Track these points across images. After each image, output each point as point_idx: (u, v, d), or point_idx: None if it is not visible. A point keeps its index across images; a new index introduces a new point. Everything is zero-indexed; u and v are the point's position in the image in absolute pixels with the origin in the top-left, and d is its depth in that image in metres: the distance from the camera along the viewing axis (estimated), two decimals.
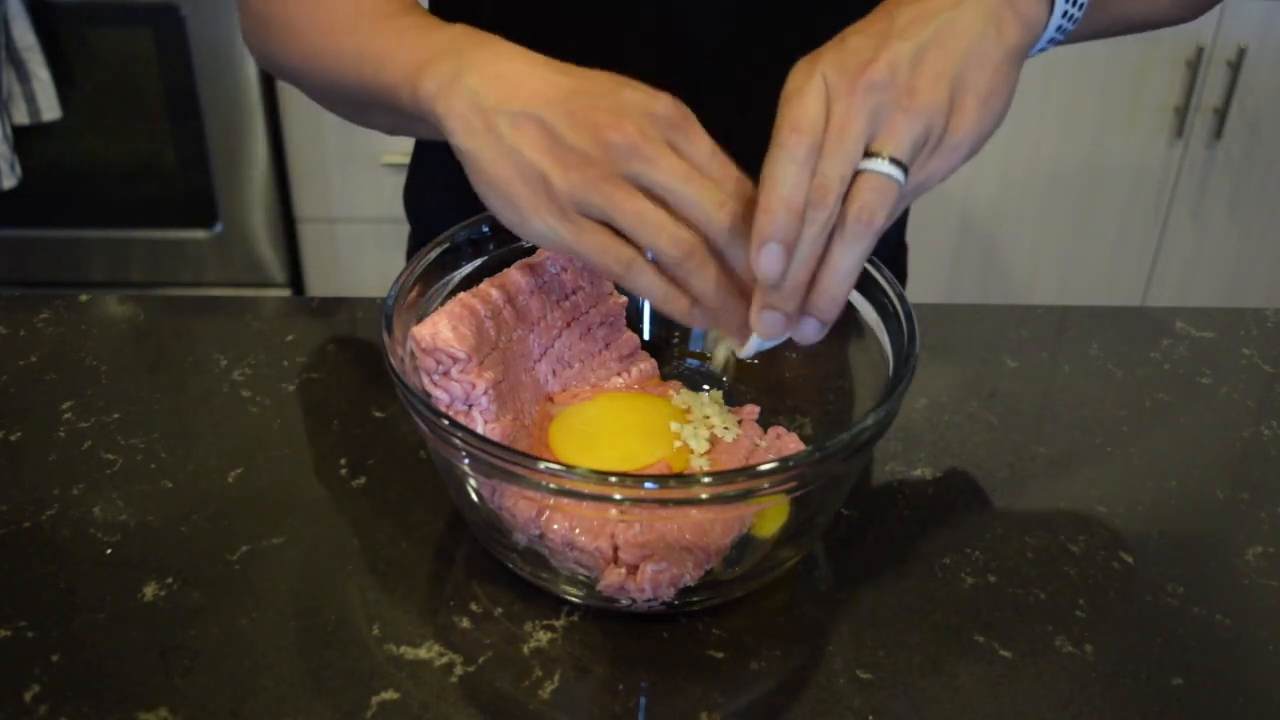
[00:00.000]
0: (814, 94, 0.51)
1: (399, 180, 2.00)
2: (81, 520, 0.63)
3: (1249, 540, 0.65)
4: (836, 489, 0.59)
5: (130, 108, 1.84)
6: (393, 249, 1.94)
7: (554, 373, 0.68)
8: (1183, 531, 0.66)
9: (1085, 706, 0.55)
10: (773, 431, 0.66)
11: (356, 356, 0.78)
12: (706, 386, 0.70)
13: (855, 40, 0.53)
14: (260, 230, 1.94)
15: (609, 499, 0.51)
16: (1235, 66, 1.80)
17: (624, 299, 0.70)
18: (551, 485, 0.51)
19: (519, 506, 0.56)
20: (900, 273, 0.99)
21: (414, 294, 0.62)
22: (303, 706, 0.53)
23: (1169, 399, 0.77)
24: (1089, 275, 2.02)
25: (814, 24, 0.76)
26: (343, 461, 0.68)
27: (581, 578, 0.58)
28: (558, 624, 0.58)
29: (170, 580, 0.60)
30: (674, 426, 0.65)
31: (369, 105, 0.64)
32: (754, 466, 0.52)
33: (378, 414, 0.72)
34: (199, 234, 1.94)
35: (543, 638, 0.57)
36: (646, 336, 0.73)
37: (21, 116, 1.77)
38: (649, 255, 0.54)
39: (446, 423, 0.53)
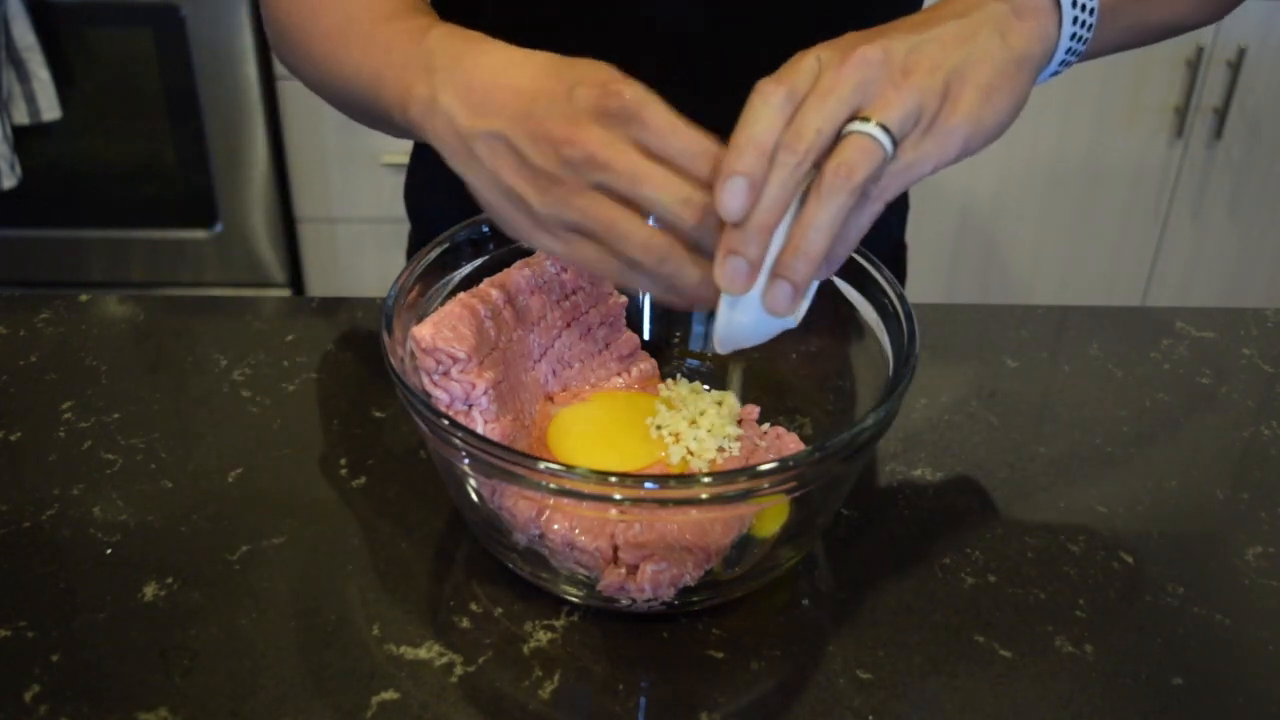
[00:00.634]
0: (807, 64, 0.51)
1: (399, 180, 2.00)
2: (81, 520, 0.63)
3: (1249, 540, 0.65)
4: (836, 489, 0.59)
5: (130, 108, 1.84)
6: (393, 249, 1.94)
7: (554, 373, 0.68)
8: (1183, 531, 0.66)
9: (1085, 706, 0.55)
10: (773, 431, 0.66)
11: (356, 356, 0.78)
12: (706, 387, 0.70)
13: (855, 35, 0.53)
14: (260, 230, 1.94)
15: (609, 499, 0.51)
16: (1235, 66, 1.80)
17: (624, 299, 0.70)
18: (551, 485, 0.51)
19: (519, 506, 0.56)
20: (900, 272, 0.99)
21: (414, 294, 0.62)
22: (303, 706, 0.53)
23: (1169, 399, 0.77)
24: (1089, 275, 2.02)
25: (809, 15, 0.76)
26: (343, 461, 0.68)
27: (581, 578, 0.58)
28: (558, 624, 0.58)
29: (170, 580, 0.60)
30: (683, 430, 0.65)
31: (376, 119, 0.65)
32: (754, 466, 0.52)
33: (378, 414, 0.72)
34: (199, 234, 1.94)
35: (543, 638, 0.57)
36: (646, 336, 0.73)
37: (21, 116, 1.78)
38: None
39: (446, 423, 0.53)
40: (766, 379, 0.71)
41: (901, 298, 0.62)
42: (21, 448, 0.69)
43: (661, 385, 0.71)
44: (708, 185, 0.50)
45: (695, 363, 0.73)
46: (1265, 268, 2.02)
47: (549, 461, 0.50)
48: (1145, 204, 1.95)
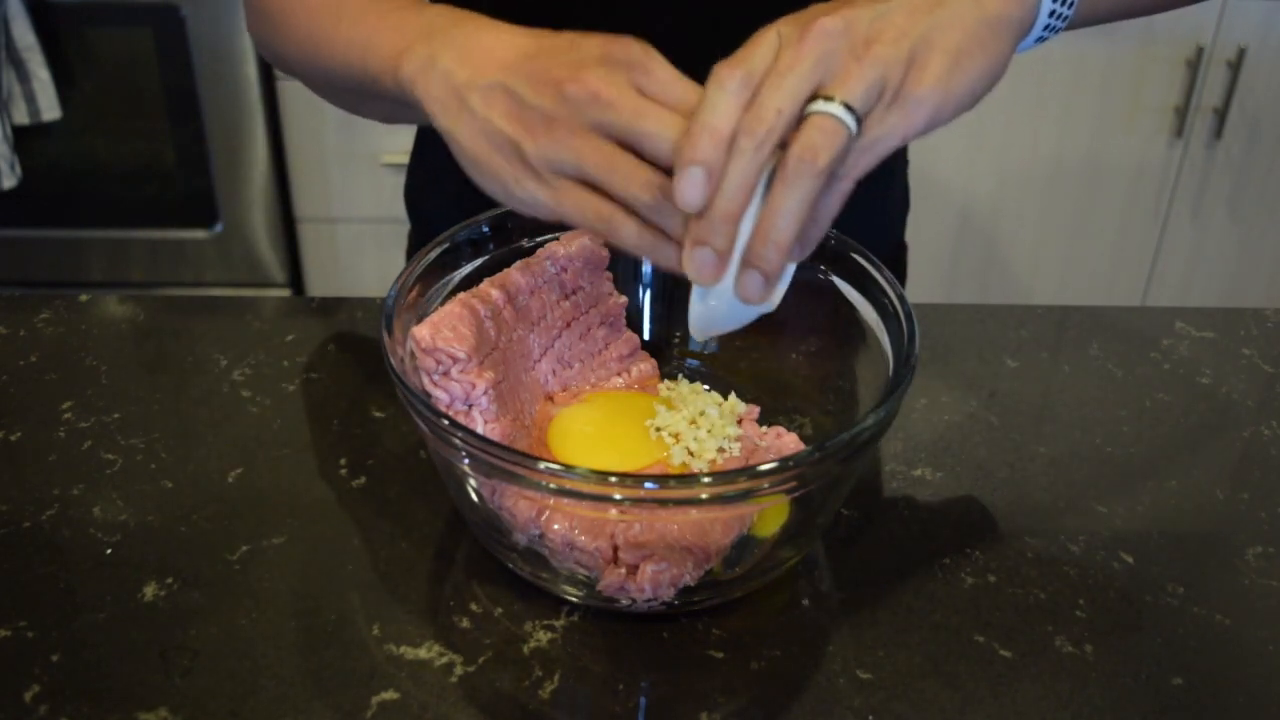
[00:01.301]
0: (764, 42, 0.50)
1: (399, 180, 2.00)
2: (81, 520, 0.63)
3: (1249, 540, 0.65)
4: (836, 489, 0.59)
5: (130, 108, 1.84)
6: (393, 249, 1.94)
7: (554, 373, 0.68)
8: (1183, 531, 0.66)
9: (1085, 706, 0.55)
10: (773, 431, 0.66)
11: (356, 356, 0.78)
12: (706, 387, 0.70)
13: (819, 6, 0.51)
14: (260, 230, 1.94)
15: (609, 499, 0.51)
16: (1235, 66, 1.80)
17: (624, 299, 0.70)
18: (551, 485, 0.51)
19: (519, 506, 0.56)
20: (900, 273, 0.99)
21: (414, 294, 0.62)
22: (303, 706, 0.53)
23: (1169, 399, 0.77)
24: (1089, 275, 2.02)
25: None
26: (343, 461, 0.68)
27: (581, 578, 0.58)
28: (558, 624, 0.58)
29: (170, 580, 0.60)
30: (684, 430, 0.65)
31: (361, 93, 0.64)
32: (754, 466, 0.52)
33: (378, 414, 0.72)
34: (199, 234, 1.94)
35: (543, 638, 0.57)
36: (646, 336, 0.73)
37: (21, 116, 1.78)
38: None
39: (446, 423, 0.52)
40: (766, 379, 0.71)
41: (902, 298, 0.62)
42: (21, 448, 0.69)
43: (661, 385, 0.71)
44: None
45: (695, 363, 0.73)
46: (1265, 268, 2.02)
47: (549, 461, 0.50)
48: (1145, 204, 1.95)
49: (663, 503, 0.52)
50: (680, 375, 0.72)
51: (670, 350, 0.74)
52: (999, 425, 0.73)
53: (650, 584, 0.55)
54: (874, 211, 0.93)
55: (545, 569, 0.58)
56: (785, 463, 0.51)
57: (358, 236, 1.98)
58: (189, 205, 1.92)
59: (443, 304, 0.62)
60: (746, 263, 0.49)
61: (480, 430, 0.59)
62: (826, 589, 0.61)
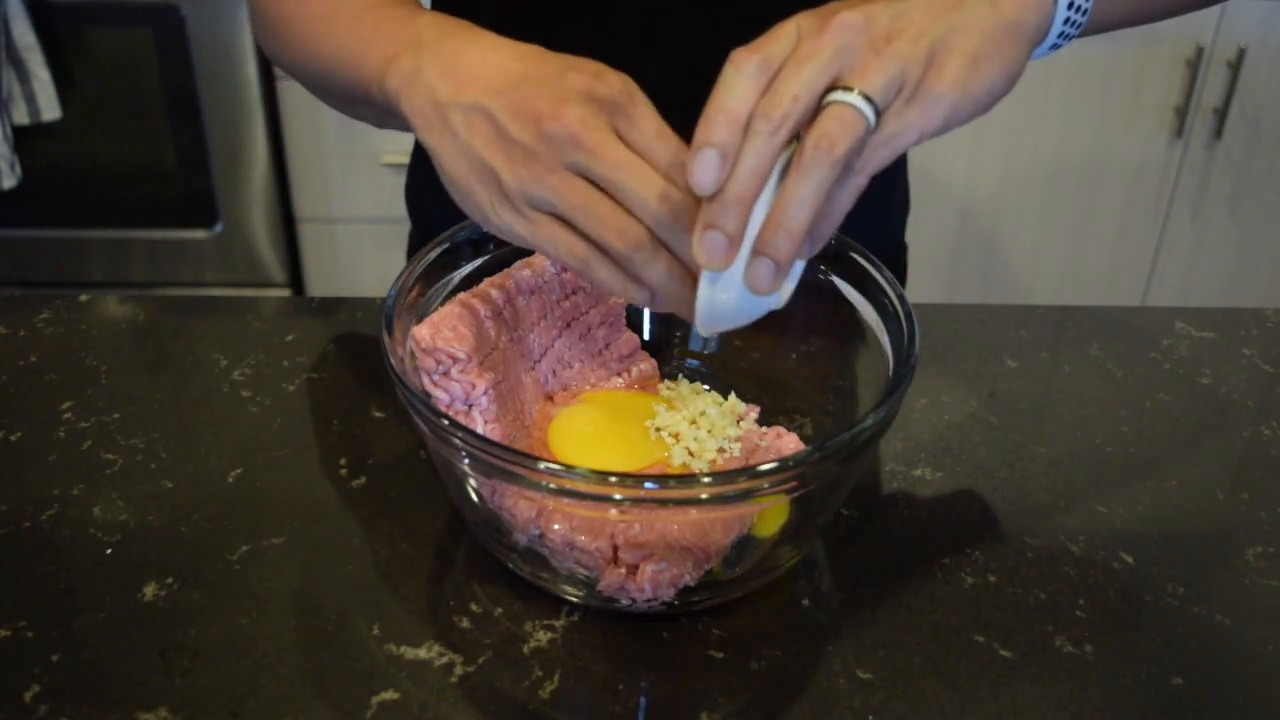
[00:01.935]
0: (783, 33, 0.50)
1: (399, 180, 2.00)
2: (81, 520, 0.63)
3: (1249, 540, 0.65)
4: (836, 489, 0.59)
5: (130, 108, 1.84)
6: (393, 249, 1.94)
7: (554, 373, 0.68)
8: (1183, 531, 0.66)
9: (1085, 706, 0.55)
10: (773, 431, 0.66)
11: (356, 356, 0.78)
12: (706, 387, 0.70)
13: (838, 3, 0.51)
14: (260, 230, 1.94)
15: (609, 499, 0.51)
16: (1235, 66, 1.80)
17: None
18: (551, 485, 0.51)
19: (519, 506, 0.56)
20: (900, 272, 0.99)
21: (414, 294, 0.62)
22: (303, 706, 0.53)
23: (1169, 399, 0.77)
24: (1089, 275, 2.02)
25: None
26: (343, 461, 0.68)
27: (581, 578, 0.58)
28: (558, 624, 0.58)
29: (170, 580, 0.60)
30: (684, 431, 0.65)
31: (353, 100, 0.65)
32: (754, 466, 0.52)
33: (378, 414, 0.72)
34: (199, 234, 1.94)
35: (543, 638, 0.57)
36: (646, 336, 0.73)
37: (21, 116, 1.77)
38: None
39: (446, 423, 0.52)
40: (766, 379, 0.71)
41: (902, 298, 0.62)
42: (21, 448, 0.69)
43: (661, 385, 0.71)
44: (686, 190, 0.49)
45: (695, 363, 0.73)
46: (1265, 268, 2.02)
47: (549, 461, 0.50)
48: (1145, 204, 1.95)
49: (663, 503, 0.52)
50: (680, 375, 0.72)
51: (670, 350, 0.74)
52: (999, 425, 0.73)
53: (650, 584, 0.55)
54: (875, 212, 0.93)
55: (545, 569, 0.58)
56: (785, 463, 0.51)
57: (358, 236, 1.98)
58: (189, 205, 1.92)
59: (443, 304, 0.62)
60: (758, 251, 0.49)
61: (480, 430, 0.59)
62: (826, 589, 0.61)
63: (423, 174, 0.97)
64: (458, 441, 0.52)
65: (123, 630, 0.57)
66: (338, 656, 0.56)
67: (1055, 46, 0.57)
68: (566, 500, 0.52)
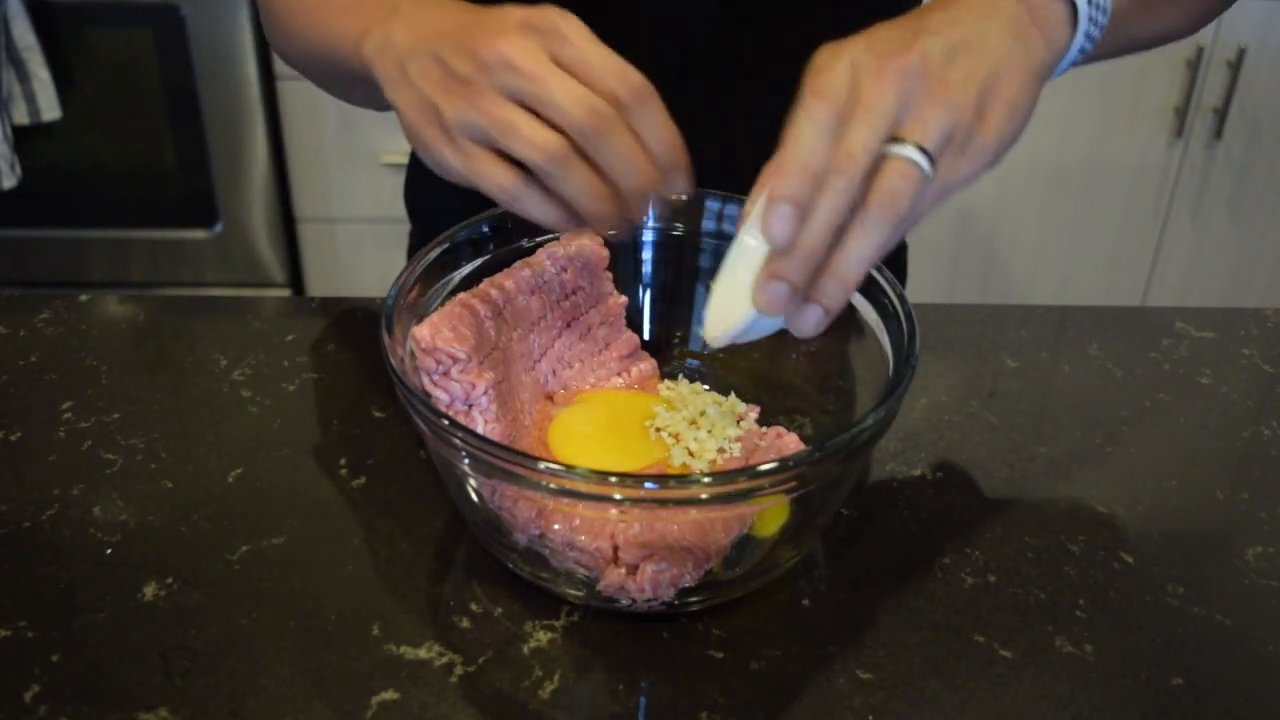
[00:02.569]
0: (842, 69, 0.50)
1: (399, 180, 2.00)
2: (81, 520, 0.63)
3: (1249, 540, 0.65)
4: (836, 489, 0.59)
5: (130, 108, 1.84)
6: (393, 249, 1.94)
7: (554, 373, 0.68)
8: (1183, 531, 0.66)
9: (1085, 706, 0.55)
10: (773, 431, 0.66)
11: (356, 356, 0.78)
12: (706, 387, 0.70)
13: (885, 31, 0.52)
14: (260, 230, 1.94)
15: (609, 499, 0.51)
16: (1235, 66, 1.80)
17: (624, 299, 0.70)
18: (551, 485, 0.51)
19: (519, 506, 0.56)
20: (900, 272, 0.99)
21: (414, 294, 0.62)
22: (303, 706, 0.53)
23: (1169, 399, 0.77)
24: (1089, 275, 2.02)
25: (806, 19, 0.76)
26: (343, 461, 0.68)
27: (581, 578, 0.58)
28: (558, 624, 0.58)
29: (170, 580, 0.60)
30: (684, 431, 0.65)
31: (348, 80, 0.66)
32: (754, 466, 0.52)
33: (378, 414, 0.72)
34: (199, 234, 1.94)
35: (543, 638, 0.57)
36: (646, 336, 0.73)
37: (21, 116, 1.77)
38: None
39: (446, 423, 0.52)
40: (766, 379, 0.71)
41: (902, 298, 0.62)
42: (21, 448, 0.69)
43: (661, 385, 0.71)
44: (613, 98, 0.51)
45: (695, 363, 0.73)
46: (1265, 268, 2.02)
47: (549, 461, 0.50)
48: (1145, 204, 1.95)
49: (663, 503, 0.52)
50: (680, 375, 0.72)
51: (670, 350, 0.74)
52: (999, 425, 0.73)
53: (650, 584, 0.55)
54: None
55: (545, 569, 0.58)
56: (785, 463, 0.51)
57: (358, 236, 1.98)
58: (189, 205, 1.92)
59: (443, 304, 0.62)
60: (812, 298, 0.50)
61: (480, 430, 0.59)
62: (826, 589, 0.61)
63: (420, 172, 0.97)
64: (458, 441, 0.52)
65: (123, 630, 0.57)
66: (338, 656, 0.56)
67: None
68: (566, 500, 0.52)
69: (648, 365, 0.71)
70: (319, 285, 2.03)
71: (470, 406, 0.59)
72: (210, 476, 0.67)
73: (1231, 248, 1.99)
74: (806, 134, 0.49)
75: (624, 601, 0.57)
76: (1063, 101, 1.85)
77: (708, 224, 0.71)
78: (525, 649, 0.57)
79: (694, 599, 0.58)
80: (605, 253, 0.68)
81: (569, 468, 0.50)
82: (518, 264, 0.65)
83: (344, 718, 0.53)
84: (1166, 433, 0.74)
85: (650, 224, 0.71)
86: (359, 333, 0.81)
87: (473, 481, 0.58)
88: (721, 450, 0.64)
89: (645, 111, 0.52)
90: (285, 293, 2.00)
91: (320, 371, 0.76)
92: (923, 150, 0.49)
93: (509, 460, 0.51)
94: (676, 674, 0.56)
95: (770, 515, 0.59)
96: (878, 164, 0.49)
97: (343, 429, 0.71)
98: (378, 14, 0.59)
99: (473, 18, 0.55)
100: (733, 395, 0.69)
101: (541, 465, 0.50)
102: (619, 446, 0.64)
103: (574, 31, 0.52)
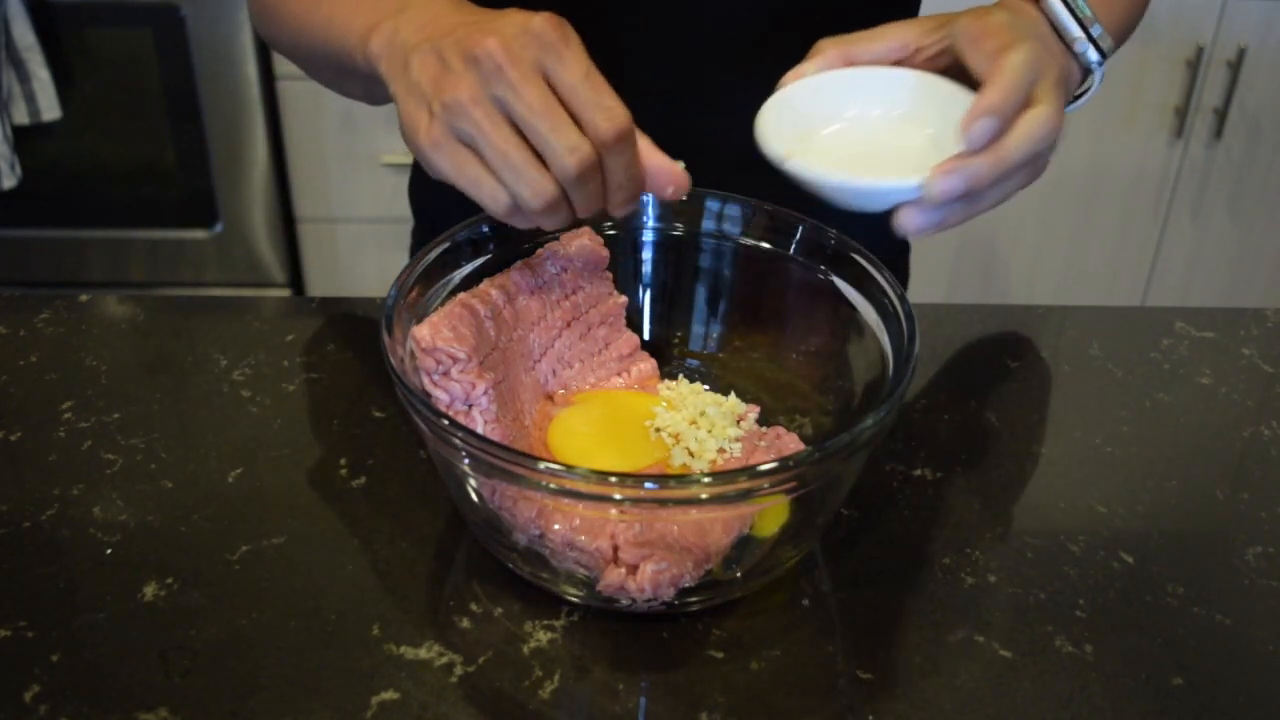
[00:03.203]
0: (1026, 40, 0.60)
1: (399, 180, 2.01)
2: (81, 520, 0.63)
3: (1249, 540, 0.65)
4: (836, 489, 0.59)
5: (130, 108, 1.84)
6: (393, 249, 1.94)
7: (554, 373, 0.68)
8: (1183, 531, 0.66)
9: (1085, 706, 0.55)
10: (773, 431, 0.66)
11: (356, 356, 0.78)
12: (706, 387, 0.70)
13: (1005, 15, 0.62)
14: (260, 230, 1.94)
15: (609, 499, 0.51)
16: (1235, 66, 1.80)
17: (624, 299, 0.70)
18: (551, 485, 0.51)
19: (519, 506, 0.56)
20: (902, 273, 0.99)
21: (414, 294, 0.62)
22: (303, 706, 0.53)
23: (1169, 399, 0.77)
24: (1089, 275, 2.02)
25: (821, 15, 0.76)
26: (343, 461, 0.68)
27: (581, 578, 0.58)
28: (558, 624, 0.58)
29: (170, 580, 0.60)
30: (684, 431, 0.65)
31: (341, 72, 0.67)
32: (754, 466, 0.52)
33: (378, 414, 0.72)
34: (199, 234, 1.94)
35: (543, 638, 0.57)
36: (646, 336, 0.73)
37: (21, 116, 1.78)
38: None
39: (446, 423, 0.52)
40: (766, 379, 0.71)
41: (902, 298, 0.62)
42: (21, 448, 0.69)
43: (661, 385, 0.71)
44: (598, 139, 0.52)
45: (695, 363, 0.73)
46: (1265, 268, 2.02)
47: (549, 461, 0.50)
48: (1145, 204, 1.95)
49: (663, 503, 0.52)
50: (680, 375, 0.72)
51: (670, 350, 0.74)
52: (999, 425, 0.73)
53: (650, 584, 0.55)
54: (878, 216, 0.93)
55: (545, 569, 0.58)
56: (785, 463, 0.51)
57: (358, 236, 1.98)
58: (189, 205, 1.92)
59: (443, 304, 0.62)
60: (954, 169, 0.57)
61: (480, 430, 0.59)
62: (826, 589, 0.61)
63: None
64: (458, 441, 0.52)
65: (123, 630, 0.57)
66: (338, 656, 0.56)
67: None
68: (566, 500, 0.52)
69: (648, 365, 0.71)
70: (319, 285, 2.03)
71: (470, 406, 0.59)
72: (210, 476, 0.67)
73: (1231, 248, 1.99)
74: (1022, 73, 0.57)
75: (624, 601, 0.57)
76: None
77: (708, 224, 0.71)
78: (525, 649, 0.57)
79: (694, 599, 0.58)
80: (605, 253, 0.68)
81: (569, 468, 0.50)
82: (518, 264, 0.65)
83: (344, 718, 0.53)
84: (1166, 433, 0.74)
85: (650, 224, 0.71)
86: (359, 333, 0.81)
87: (473, 481, 0.58)
88: (721, 450, 0.64)
89: (623, 155, 0.53)
90: (285, 293, 2.00)
91: (320, 371, 0.76)
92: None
93: (509, 460, 0.51)
94: (676, 674, 0.56)
95: (770, 515, 0.59)
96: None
97: (343, 429, 0.71)
98: (386, 10, 0.59)
99: (476, 17, 0.55)
100: (733, 395, 0.69)
101: (541, 465, 0.50)
102: (619, 446, 0.64)
103: (570, 49, 0.53)
